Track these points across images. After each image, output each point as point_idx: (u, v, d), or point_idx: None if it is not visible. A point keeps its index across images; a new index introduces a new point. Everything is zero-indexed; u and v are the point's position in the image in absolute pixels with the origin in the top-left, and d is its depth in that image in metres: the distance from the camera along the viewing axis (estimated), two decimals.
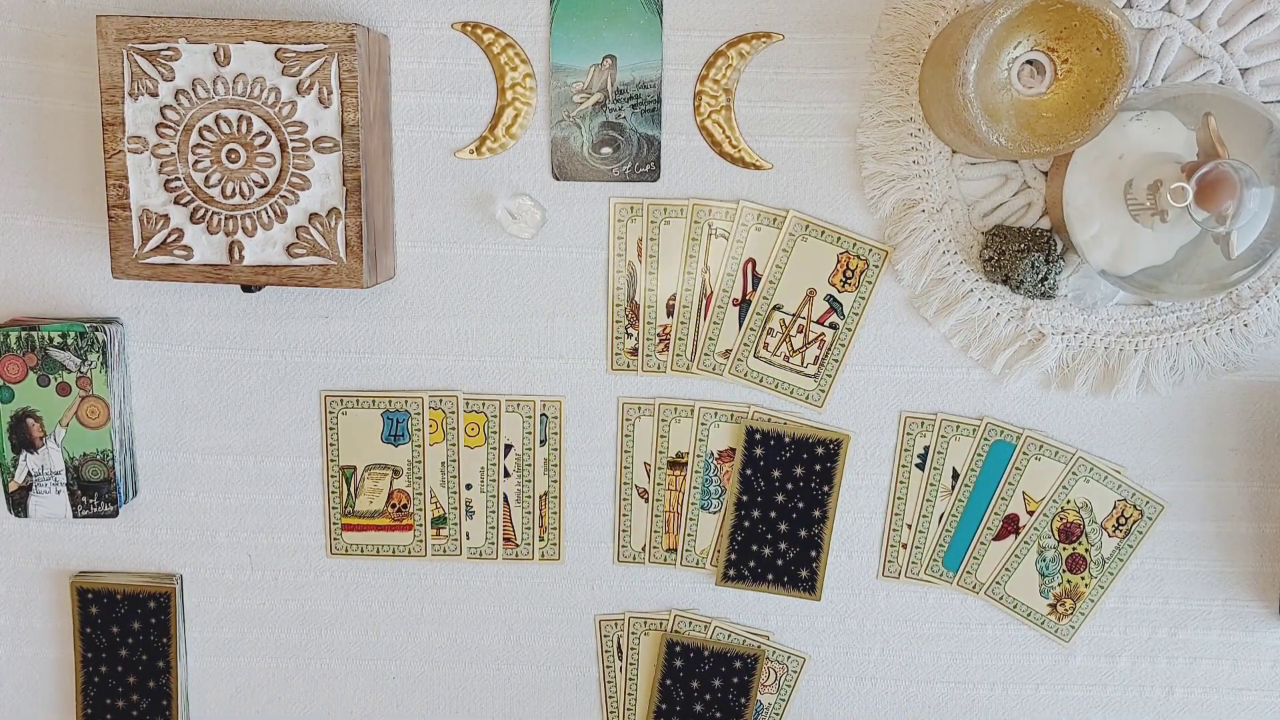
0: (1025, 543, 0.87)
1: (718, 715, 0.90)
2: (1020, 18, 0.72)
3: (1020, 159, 0.82)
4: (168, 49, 0.75)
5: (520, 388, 0.87)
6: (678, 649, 0.90)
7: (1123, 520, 0.87)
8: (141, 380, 0.88)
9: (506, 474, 0.88)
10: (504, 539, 0.89)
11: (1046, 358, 0.84)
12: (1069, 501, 0.87)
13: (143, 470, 0.89)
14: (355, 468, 0.88)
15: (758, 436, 0.87)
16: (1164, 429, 0.86)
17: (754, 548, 0.88)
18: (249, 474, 0.89)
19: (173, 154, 0.77)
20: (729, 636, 0.90)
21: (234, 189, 0.77)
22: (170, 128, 0.76)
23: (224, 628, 0.91)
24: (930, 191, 0.82)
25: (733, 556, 0.88)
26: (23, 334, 0.83)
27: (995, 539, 0.87)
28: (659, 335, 0.86)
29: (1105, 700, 0.90)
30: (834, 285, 0.85)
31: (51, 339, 0.83)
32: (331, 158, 0.77)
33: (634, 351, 0.86)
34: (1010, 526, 0.87)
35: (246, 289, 0.81)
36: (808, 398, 0.87)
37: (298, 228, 0.77)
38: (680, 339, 0.86)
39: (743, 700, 0.90)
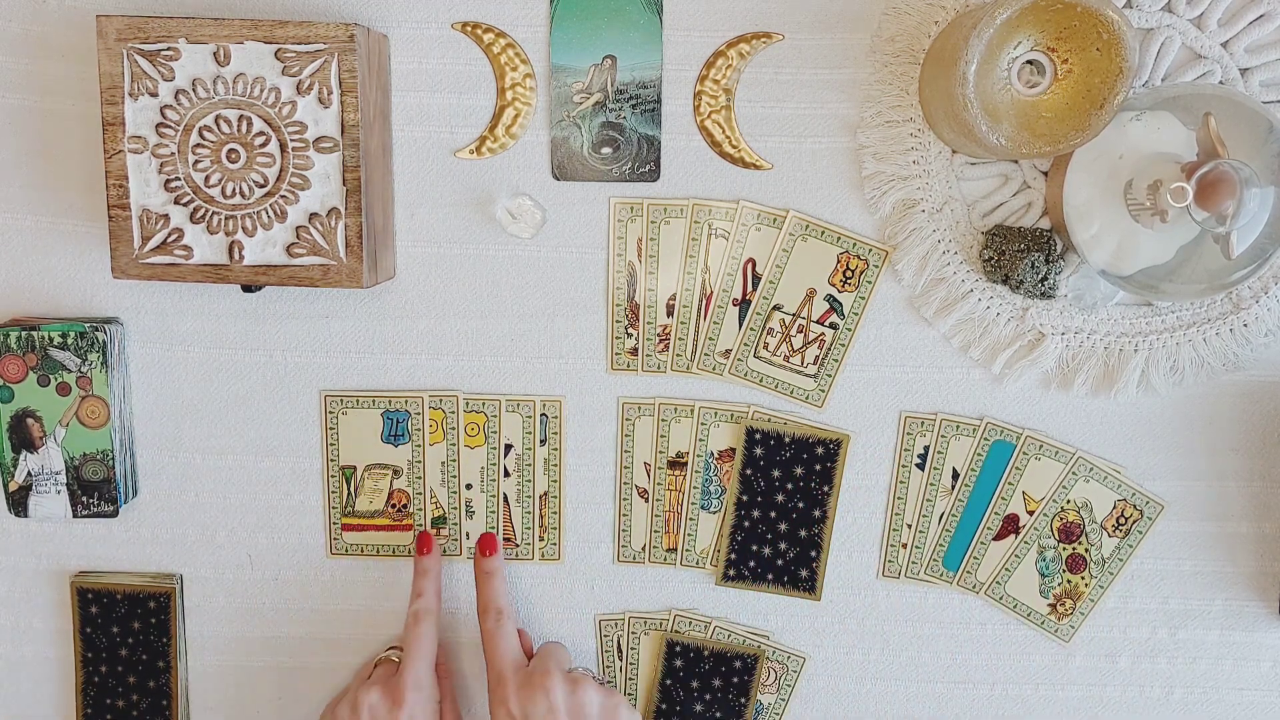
0: (1025, 543, 0.87)
1: (718, 715, 0.90)
2: (1020, 18, 0.72)
3: (1020, 159, 0.82)
4: (168, 49, 0.75)
5: (520, 388, 0.87)
6: (678, 649, 0.90)
7: (1123, 520, 0.87)
8: (141, 380, 0.88)
9: (506, 474, 0.88)
10: (504, 539, 0.89)
11: (1046, 358, 0.84)
12: (1069, 501, 0.87)
13: (143, 470, 0.89)
14: (355, 468, 0.88)
15: (758, 436, 0.87)
16: (1164, 429, 0.86)
17: (754, 548, 0.88)
18: (249, 474, 0.89)
19: (173, 154, 0.77)
20: (729, 636, 0.90)
21: (234, 189, 0.77)
22: (170, 128, 0.76)
23: (224, 627, 0.91)
24: (930, 191, 0.82)
25: (733, 556, 0.88)
26: (23, 334, 0.83)
27: (995, 539, 0.87)
28: (659, 335, 0.86)
29: (1105, 700, 0.90)
30: (834, 285, 0.85)
31: (51, 339, 0.83)
32: (331, 158, 0.77)
33: (634, 351, 0.86)
34: (1010, 526, 0.87)
35: (246, 289, 0.81)
36: (808, 398, 0.86)
37: (298, 228, 0.77)
38: (680, 339, 0.86)
39: (743, 700, 0.90)
